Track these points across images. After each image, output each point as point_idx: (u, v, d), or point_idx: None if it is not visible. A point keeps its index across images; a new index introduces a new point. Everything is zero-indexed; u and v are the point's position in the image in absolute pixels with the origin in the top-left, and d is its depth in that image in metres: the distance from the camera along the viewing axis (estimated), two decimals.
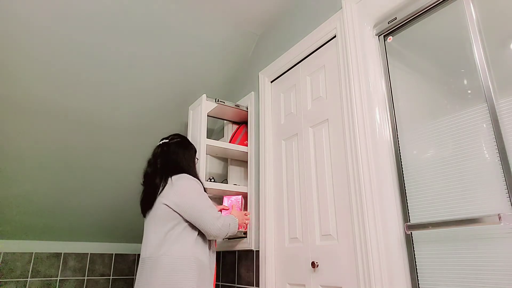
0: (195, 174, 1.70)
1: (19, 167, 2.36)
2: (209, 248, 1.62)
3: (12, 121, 2.19)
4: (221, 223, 1.54)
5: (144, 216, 1.65)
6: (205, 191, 1.67)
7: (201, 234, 1.59)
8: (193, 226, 1.57)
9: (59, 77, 2.14)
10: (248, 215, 1.76)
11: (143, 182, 1.69)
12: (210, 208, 1.55)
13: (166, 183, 1.60)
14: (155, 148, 1.76)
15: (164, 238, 1.50)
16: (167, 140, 1.77)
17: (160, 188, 1.59)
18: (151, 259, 1.47)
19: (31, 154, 2.33)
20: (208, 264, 1.56)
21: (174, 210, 1.53)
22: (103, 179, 2.68)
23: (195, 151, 1.84)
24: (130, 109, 2.46)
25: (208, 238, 1.59)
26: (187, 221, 1.56)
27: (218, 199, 2.44)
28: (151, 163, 1.72)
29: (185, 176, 1.61)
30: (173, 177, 1.61)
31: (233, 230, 1.61)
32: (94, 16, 1.99)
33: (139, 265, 1.55)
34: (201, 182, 1.66)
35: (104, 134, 2.48)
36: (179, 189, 1.56)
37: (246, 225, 1.71)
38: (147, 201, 1.63)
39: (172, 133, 1.86)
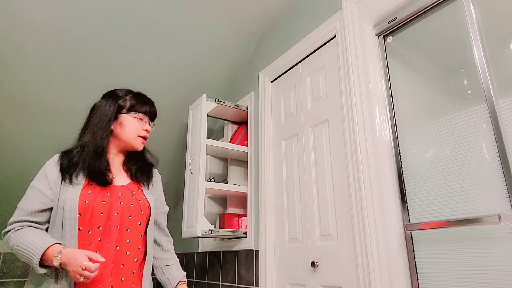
0: (97, 145, 1.17)
1: (19, 167, 2.35)
2: (55, 275, 1.05)
3: (13, 121, 2.19)
4: (6, 235, 1.08)
5: None
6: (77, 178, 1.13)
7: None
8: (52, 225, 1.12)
9: (60, 77, 2.14)
10: (86, 269, 0.96)
11: None
12: (18, 209, 1.10)
13: None
14: None
15: None
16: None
17: None
18: None
19: (32, 154, 2.33)
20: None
21: None
22: None
23: (124, 104, 1.26)
24: None
25: None
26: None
27: (218, 198, 2.44)
28: None
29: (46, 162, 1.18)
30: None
31: (22, 258, 1.03)
32: (93, 16, 1.99)
33: None
34: (99, 162, 1.16)
35: None
36: None
37: (77, 277, 0.96)
38: None
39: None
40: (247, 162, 2.42)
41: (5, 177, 2.38)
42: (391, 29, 1.56)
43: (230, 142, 2.41)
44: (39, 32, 1.94)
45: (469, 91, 1.23)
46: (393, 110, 1.49)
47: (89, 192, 1.12)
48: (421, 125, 1.37)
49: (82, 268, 0.96)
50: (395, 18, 1.53)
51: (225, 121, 2.60)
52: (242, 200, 2.36)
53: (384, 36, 1.59)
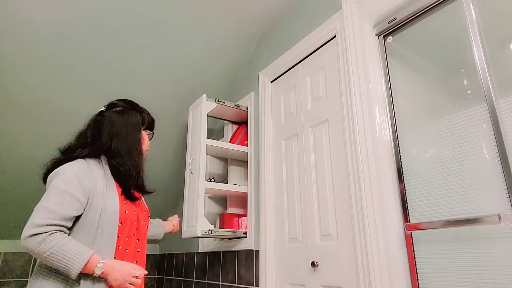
0: (131, 160, 1.26)
1: (20, 167, 2.35)
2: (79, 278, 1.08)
3: (12, 121, 2.19)
4: (36, 237, 1.02)
5: None
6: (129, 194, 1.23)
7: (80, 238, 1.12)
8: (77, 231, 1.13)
9: (60, 77, 2.14)
10: (138, 278, 1.13)
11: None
12: (49, 212, 1.06)
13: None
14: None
15: None
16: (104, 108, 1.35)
17: None
18: None
19: (33, 154, 2.33)
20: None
21: None
22: None
23: (143, 121, 1.37)
24: None
25: None
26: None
27: (218, 198, 2.44)
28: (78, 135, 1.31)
29: (70, 166, 1.17)
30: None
31: (55, 262, 1.03)
32: (93, 16, 1.99)
33: None
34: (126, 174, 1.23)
35: None
36: (49, 178, 1.18)
37: (126, 285, 1.11)
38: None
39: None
40: (247, 162, 2.42)
41: (5, 177, 2.38)
42: (391, 29, 1.56)
43: (230, 142, 2.41)
44: (39, 32, 1.94)
45: (469, 91, 1.23)
46: (393, 110, 1.49)
47: (125, 203, 1.22)
48: (421, 125, 1.37)
49: (135, 277, 1.12)
50: (395, 18, 1.53)
51: (225, 121, 2.60)
52: (242, 200, 2.36)
53: (384, 36, 1.59)
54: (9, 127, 2.20)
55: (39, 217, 1.05)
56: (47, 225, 1.04)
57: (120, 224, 1.17)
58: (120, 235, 1.17)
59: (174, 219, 1.79)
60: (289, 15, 2.21)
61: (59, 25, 1.96)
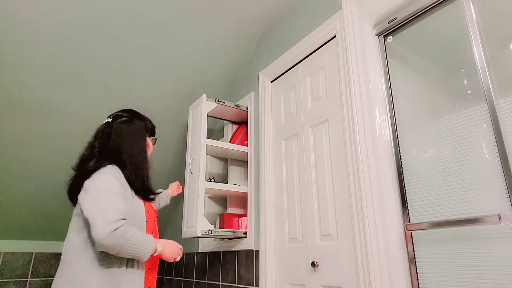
0: (141, 166, 1.38)
1: (21, 167, 2.35)
2: (127, 263, 1.24)
3: (14, 121, 2.19)
4: (117, 231, 1.12)
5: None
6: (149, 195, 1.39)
7: None
8: None
9: (59, 77, 2.14)
10: (181, 250, 1.36)
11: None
12: (116, 209, 1.18)
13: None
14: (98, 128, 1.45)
15: (71, 241, 1.24)
16: (110, 119, 1.44)
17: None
18: (61, 261, 1.26)
19: (33, 154, 2.33)
20: (123, 281, 1.21)
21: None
22: None
23: (147, 129, 1.49)
24: None
25: (96, 245, 1.15)
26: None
27: (218, 198, 2.44)
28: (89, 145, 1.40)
29: (105, 169, 1.28)
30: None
31: (133, 250, 1.16)
32: (93, 16, 1.99)
33: None
34: (141, 179, 1.37)
35: None
36: (87, 182, 1.25)
37: (174, 259, 1.33)
38: (75, 189, 1.31)
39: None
40: (247, 162, 2.42)
41: (5, 177, 2.38)
42: (391, 29, 1.56)
43: (230, 142, 2.41)
44: (39, 32, 1.94)
45: (469, 91, 1.23)
46: (393, 110, 1.49)
47: (146, 204, 1.38)
48: (421, 125, 1.37)
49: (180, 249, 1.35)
50: (395, 18, 1.53)
51: (225, 121, 2.60)
52: (242, 200, 2.36)
53: (384, 36, 1.59)
54: (9, 127, 2.20)
55: (111, 214, 1.15)
56: (119, 219, 1.16)
57: (146, 222, 1.33)
58: (146, 233, 1.31)
59: (173, 185, 1.94)
60: (289, 15, 2.21)
61: (59, 25, 1.96)
